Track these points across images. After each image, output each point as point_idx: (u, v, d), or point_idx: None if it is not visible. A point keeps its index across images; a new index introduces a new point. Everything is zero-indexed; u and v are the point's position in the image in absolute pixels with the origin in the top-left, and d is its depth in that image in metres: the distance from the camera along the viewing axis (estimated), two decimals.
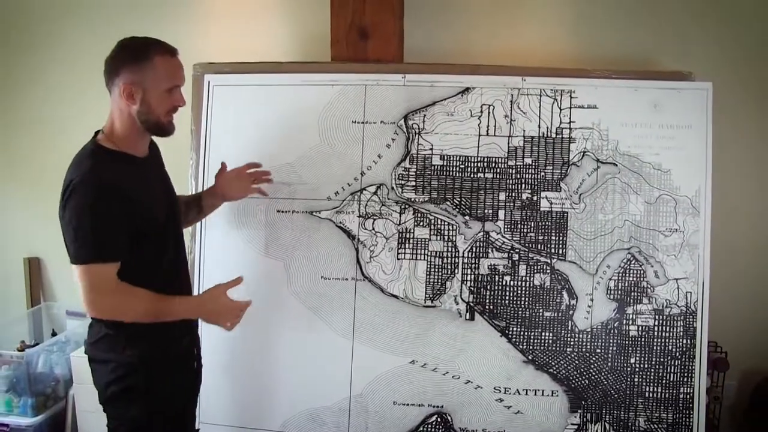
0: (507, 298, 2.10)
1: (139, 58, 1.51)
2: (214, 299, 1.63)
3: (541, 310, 2.10)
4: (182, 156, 2.21)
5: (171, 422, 1.67)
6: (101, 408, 1.63)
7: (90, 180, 1.46)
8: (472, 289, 2.11)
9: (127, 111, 1.54)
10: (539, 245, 2.10)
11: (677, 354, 2.08)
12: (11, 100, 2.76)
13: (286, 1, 2.52)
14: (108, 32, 2.57)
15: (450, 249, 2.11)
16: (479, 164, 2.11)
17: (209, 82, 2.20)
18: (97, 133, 1.61)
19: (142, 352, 1.57)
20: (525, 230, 2.10)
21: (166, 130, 1.61)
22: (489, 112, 2.12)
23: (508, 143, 2.11)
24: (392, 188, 2.13)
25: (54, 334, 2.74)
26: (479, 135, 2.12)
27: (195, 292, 2.08)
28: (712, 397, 2.31)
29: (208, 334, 2.14)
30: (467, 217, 2.12)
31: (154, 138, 1.71)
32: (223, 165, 1.99)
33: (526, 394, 2.10)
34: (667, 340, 2.08)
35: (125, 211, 1.48)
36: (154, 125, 1.57)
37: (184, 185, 2.20)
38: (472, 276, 2.11)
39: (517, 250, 2.10)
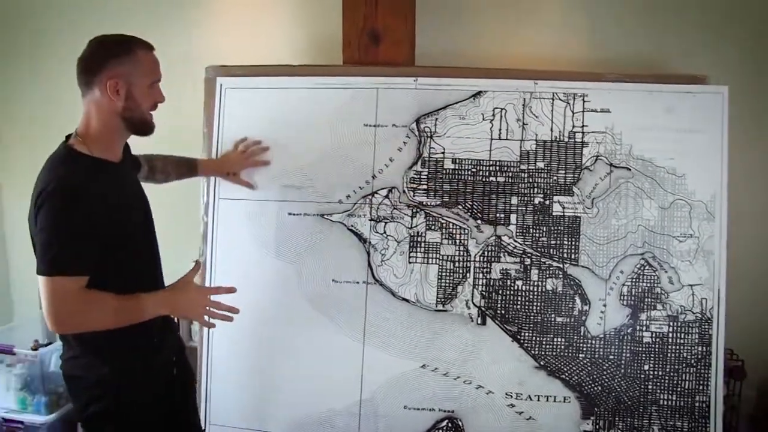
0: (519, 302, 2.09)
1: (123, 53, 1.49)
2: (181, 288, 1.58)
3: (553, 316, 2.08)
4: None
5: None
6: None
7: (62, 189, 1.39)
8: (484, 293, 2.09)
9: (108, 108, 1.49)
10: (551, 250, 2.08)
11: (692, 361, 2.05)
12: None
13: (298, 4, 2.53)
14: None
15: (462, 253, 2.10)
16: (491, 168, 2.10)
17: (221, 84, 2.21)
18: (68, 136, 1.54)
19: (116, 368, 1.51)
20: (537, 234, 2.09)
21: (150, 126, 1.59)
22: (501, 116, 2.11)
23: (521, 147, 2.10)
24: (404, 191, 2.12)
25: None
26: (491, 139, 2.11)
27: None
28: (729, 406, 2.27)
29: (219, 335, 2.16)
30: (479, 221, 2.10)
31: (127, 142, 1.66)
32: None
33: (538, 399, 2.08)
34: (681, 347, 2.05)
35: (98, 222, 1.42)
36: (139, 121, 1.54)
37: (196, 187, 2.21)
38: (484, 280, 2.09)
39: (529, 255, 2.08)
